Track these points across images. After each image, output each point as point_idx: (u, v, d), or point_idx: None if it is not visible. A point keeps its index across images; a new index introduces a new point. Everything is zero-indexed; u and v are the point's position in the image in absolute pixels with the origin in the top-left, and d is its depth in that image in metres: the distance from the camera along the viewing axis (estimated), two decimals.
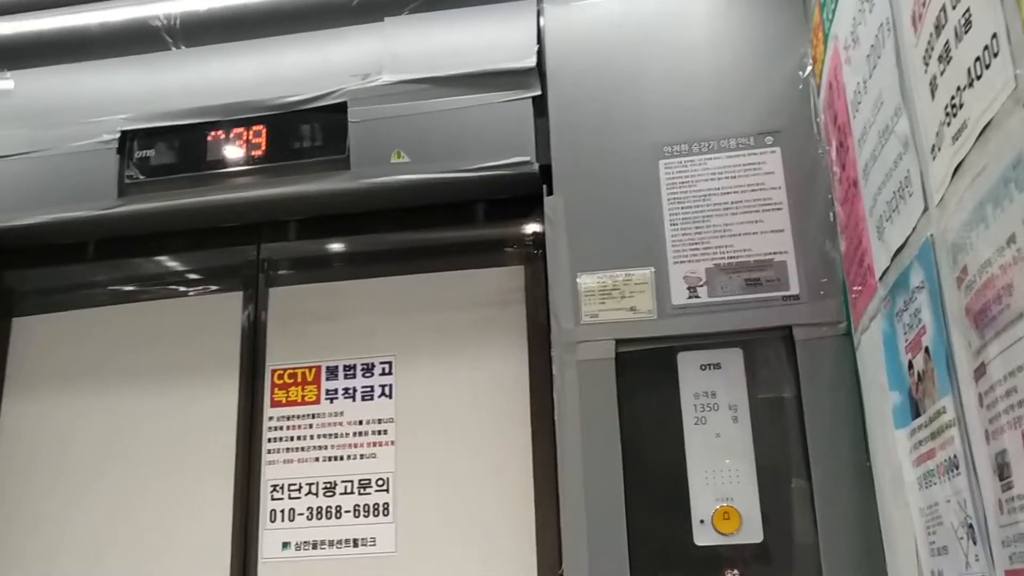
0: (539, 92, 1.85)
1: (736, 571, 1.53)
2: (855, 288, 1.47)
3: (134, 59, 2.09)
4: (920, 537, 1.14)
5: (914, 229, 1.07)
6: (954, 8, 0.86)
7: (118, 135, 2.00)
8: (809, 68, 1.73)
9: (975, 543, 0.93)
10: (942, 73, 0.91)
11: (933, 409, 1.04)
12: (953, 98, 0.89)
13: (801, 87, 1.74)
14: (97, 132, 2.01)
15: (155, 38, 2.10)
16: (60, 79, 2.11)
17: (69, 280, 2.16)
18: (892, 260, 1.18)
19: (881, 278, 1.25)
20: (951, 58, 0.89)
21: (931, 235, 1.01)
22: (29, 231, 2.04)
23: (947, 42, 0.89)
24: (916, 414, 1.11)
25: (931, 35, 0.94)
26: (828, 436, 1.56)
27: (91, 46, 2.13)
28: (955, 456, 0.97)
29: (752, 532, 1.54)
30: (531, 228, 1.95)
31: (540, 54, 1.87)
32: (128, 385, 2.03)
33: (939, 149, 0.94)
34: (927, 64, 0.96)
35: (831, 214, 1.64)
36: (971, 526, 0.93)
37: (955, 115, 0.89)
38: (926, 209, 1.02)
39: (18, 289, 2.17)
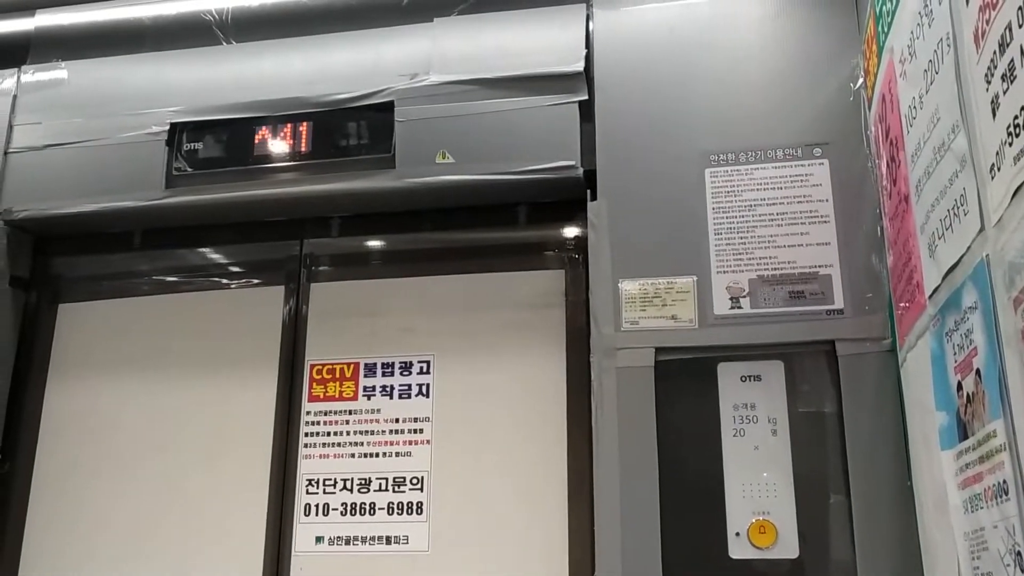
0: (586, 97, 1.85)
1: None
2: (902, 304, 1.46)
3: (185, 52, 2.12)
4: (964, 562, 1.12)
5: (968, 248, 1.05)
6: (1020, 27, 0.85)
7: (167, 127, 2.03)
8: (860, 80, 1.71)
9: (1023, 571, 0.91)
10: (1005, 92, 0.90)
11: (982, 432, 1.02)
12: (1016, 118, 0.87)
13: (851, 99, 1.72)
14: (147, 124, 2.05)
15: (207, 32, 2.12)
16: (112, 70, 2.15)
17: (115, 269, 2.19)
18: (943, 279, 1.16)
19: (931, 296, 1.23)
20: (1015, 77, 0.87)
21: (987, 255, 0.99)
22: (77, 219, 2.07)
23: (1012, 60, 0.88)
24: (964, 436, 1.10)
25: (995, 53, 0.92)
26: (869, 453, 1.54)
27: (143, 39, 2.17)
28: (1004, 481, 0.95)
29: (788, 547, 1.53)
30: (573, 232, 1.95)
31: (588, 59, 1.87)
32: (169, 375, 2.06)
33: (999, 169, 0.93)
34: (989, 82, 0.94)
35: (879, 228, 1.62)
36: (1019, 553, 0.92)
37: (1018, 135, 0.87)
38: (982, 229, 1.00)
39: (65, 276, 2.20)
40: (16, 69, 2.19)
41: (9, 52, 2.22)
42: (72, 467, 2.05)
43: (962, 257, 1.08)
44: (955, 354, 1.12)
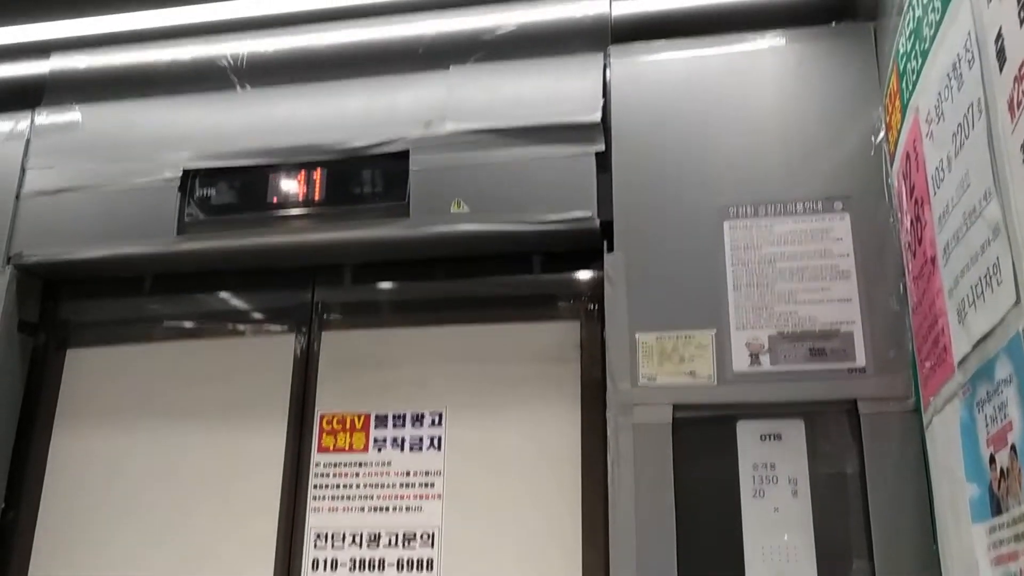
0: (603, 147, 1.83)
1: None
2: (926, 364, 1.42)
3: (199, 97, 2.11)
4: None
5: (1002, 320, 1.02)
6: None
7: (180, 173, 2.02)
8: (882, 133, 1.69)
9: None
10: None
11: (1018, 511, 0.98)
12: None
13: (872, 153, 1.70)
14: (160, 169, 2.03)
15: (221, 77, 2.12)
16: (126, 114, 2.14)
17: (124, 314, 2.17)
18: (974, 347, 1.13)
19: (960, 363, 1.20)
20: None
21: (1022, 329, 0.96)
22: (88, 264, 2.06)
23: None
24: (997, 510, 1.06)
25: None
26: (893, 516, 1.50)
27: (158, 82, 2.16)
28: None
29: None
30: (589, 283, 1.92)
31: (605, 109, 1.85)
32: (178, 422, 2.03)
33: None
34: None
35: (901, 285, 1.59)
36: None
37: None
38: (1018, 301, 0.97)
39: (74, 321, 2.18)
40: (30, 112, 2.18)
41: (23, 95, 2.22)
42: (77, 515, 2.02)
43: (995, 328, 1.05)
44: (987, 425, 1.09)
